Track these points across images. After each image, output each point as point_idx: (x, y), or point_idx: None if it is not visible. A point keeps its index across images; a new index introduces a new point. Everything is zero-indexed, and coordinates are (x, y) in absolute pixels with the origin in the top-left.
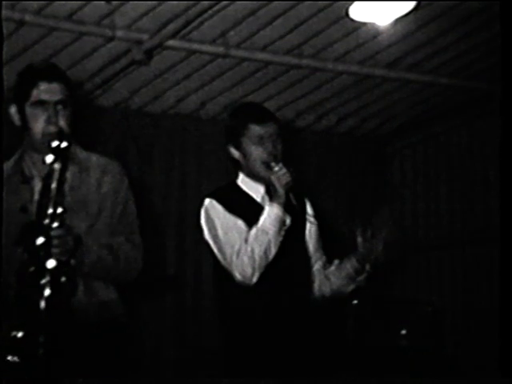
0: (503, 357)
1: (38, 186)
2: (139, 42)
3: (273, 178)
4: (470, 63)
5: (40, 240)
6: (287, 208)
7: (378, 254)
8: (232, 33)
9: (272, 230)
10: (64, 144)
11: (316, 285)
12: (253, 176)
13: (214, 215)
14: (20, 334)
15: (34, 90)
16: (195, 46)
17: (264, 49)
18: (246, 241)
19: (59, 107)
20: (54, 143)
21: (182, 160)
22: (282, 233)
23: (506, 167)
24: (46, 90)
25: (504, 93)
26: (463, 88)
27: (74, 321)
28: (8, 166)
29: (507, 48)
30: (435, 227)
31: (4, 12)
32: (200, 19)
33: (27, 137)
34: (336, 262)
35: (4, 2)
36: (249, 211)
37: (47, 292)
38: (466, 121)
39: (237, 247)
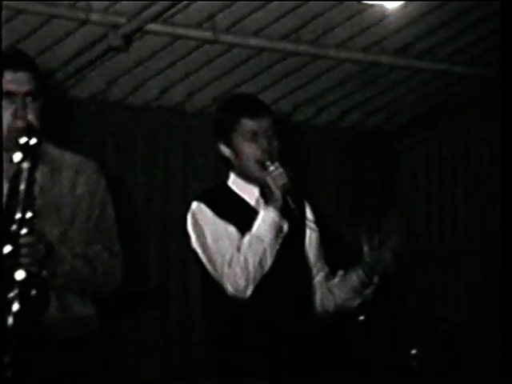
0: (503, 357)
1: (4, 187)
2: (117, 27)
3: (268, 178)
4: (488, 50)
5: (7, 248)
6: (284, 212)
7: (386, 264)
8: (221, 15)
9: (268, 237)
10: (33, 141)
11: (318, 299)
12: (245, 176)
13: (202, 220)
14: None
15: None
16: (180, 31)
17: (257, 34)
18: (239, 249)
19: (28, 99)
20: (22, 140)
21: (165, 158)
22: (279, 240)
23: (507, 170)
24: (11, 80)
25: (504, 92)
26: (481, 78)
27: (45, 339)
28: None
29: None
30: (451, 234)
31: None
32: (185, 0)
33: None
34: (340, 273)
35: None
36: (241, 216)
37: (15, 307)
38: (485, 114)
39: (228, 257)
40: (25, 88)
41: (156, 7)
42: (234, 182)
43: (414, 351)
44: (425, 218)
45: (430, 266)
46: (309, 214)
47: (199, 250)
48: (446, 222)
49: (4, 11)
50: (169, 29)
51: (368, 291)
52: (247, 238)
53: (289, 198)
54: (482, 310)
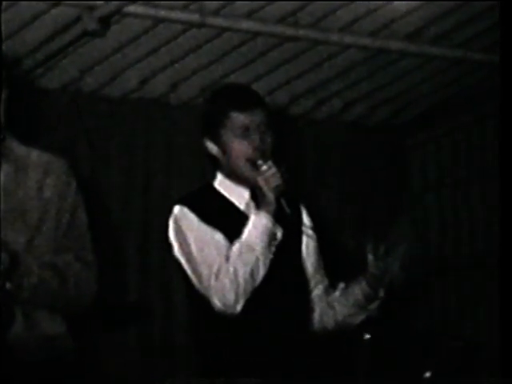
0: (503, 357)
1: None
2: (92, 8)
3: (260, 179)
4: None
5: None
6: (278, 218)
7: (393, 275)
8: None
9: (259, 245)
10: None
11: (316, 315)
12: (235, 177)
13: (186, 227)
14: None
15: None
16: (163, 13)
17: (250, 16)
18: (228, 259)
19: None
20: None
21: (146, 156)
22: (273, 249)
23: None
24: None
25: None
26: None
27: (10, 360)
28: None
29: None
30: (467, 242)
31: None
32: None
33: None
34: (341, 285)
35: None
36: (230, 222)
37: None
38: None
39: (216, 267)
40: None
41: None
42: (222, 184)
43: (427, 374)
44: (437, 223)
45: (444, 277)
46: (306, 219)
47: (183, 260)
48: (461, 227)
49: None
50: (151, 11)
51: (373, 306)
52: (236, 246)
53: (283, 201)
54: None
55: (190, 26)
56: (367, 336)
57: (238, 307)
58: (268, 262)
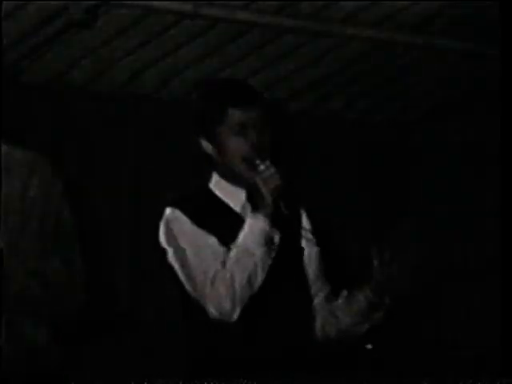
0: (503, 357)
1: None
2: None
3: (258, 180)
4: None
5: None
6: (276, 221)
7: (399, 282)
8: None
9: (257, 250)
10: None
11: (318, 323)
12: (231, 178)
13: (178, 231)
14: None
15: None
16: (154, 3)
17: (247, 6)
18: (223, 265)
19: None
20: None
21: (135, 156)
22: (272, 254)
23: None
24: None
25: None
26: None
27: None
28: None
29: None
30: (479, 247)
31: None
32: None
33: None
34: (344, 293)
35: None
36: (225, 225)
37: None
38: None
39: (211, 273)
40: None
41: None
42: (217, 185)
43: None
44: (446, 226)
45: (454, 285)
46: (306, 222)
47: (176, 266)
48: (473, 231)
49: None
50: (142, 1)
51: (378, 315)
52: (233, 251)
53: (282, 204)
54: None
55: (182, 16)
56: (369, 346)
57: (235, 315)
58: (266, 267)
